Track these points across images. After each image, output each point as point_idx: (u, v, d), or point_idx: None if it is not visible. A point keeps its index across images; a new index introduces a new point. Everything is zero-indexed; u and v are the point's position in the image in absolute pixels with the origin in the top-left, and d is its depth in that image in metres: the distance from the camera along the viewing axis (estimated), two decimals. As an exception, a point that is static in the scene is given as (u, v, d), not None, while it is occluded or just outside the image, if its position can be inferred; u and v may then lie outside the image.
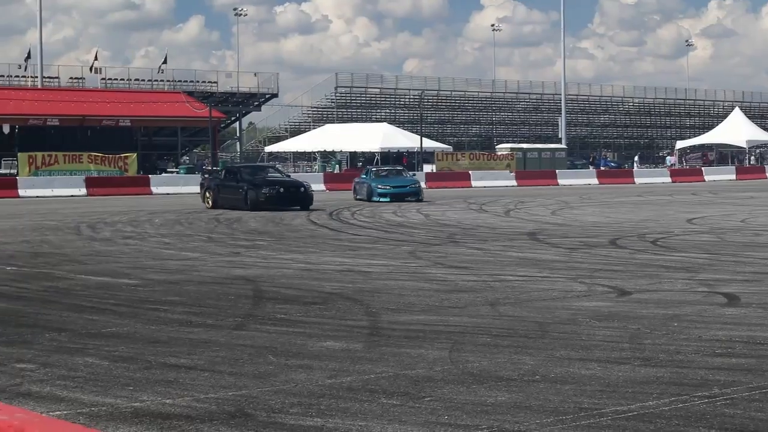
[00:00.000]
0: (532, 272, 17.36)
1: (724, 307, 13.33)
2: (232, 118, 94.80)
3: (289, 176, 43.49)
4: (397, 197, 43.56)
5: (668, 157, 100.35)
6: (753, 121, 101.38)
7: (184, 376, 9.18)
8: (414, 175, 51.94)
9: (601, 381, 8.92)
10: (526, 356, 10.02)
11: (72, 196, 50.55)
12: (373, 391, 8.58)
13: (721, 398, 8.29)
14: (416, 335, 11.23)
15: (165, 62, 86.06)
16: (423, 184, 61.18)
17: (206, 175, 45.12)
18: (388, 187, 44.18)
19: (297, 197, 37.44)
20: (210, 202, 38.58)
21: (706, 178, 73.04)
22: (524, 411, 7.93)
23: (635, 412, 7.86)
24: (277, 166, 56.07)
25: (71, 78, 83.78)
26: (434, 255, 20.60)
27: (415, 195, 44.25)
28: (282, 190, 37.37)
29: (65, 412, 7.93)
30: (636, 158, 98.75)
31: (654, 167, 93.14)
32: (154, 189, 53.78)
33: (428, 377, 9.11)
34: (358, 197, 45.08)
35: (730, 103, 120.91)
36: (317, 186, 50.67)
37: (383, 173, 47.31)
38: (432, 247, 22.32)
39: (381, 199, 43.39)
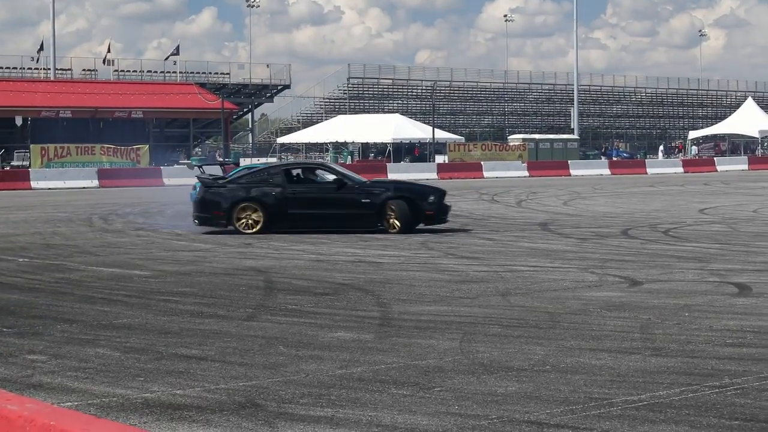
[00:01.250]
0: (544, 263, 17.35)
1: (735, 297, 13.31)
2: (245, 110, 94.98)
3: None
4: None
5: (693, 147, 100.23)
6: (766, 111, 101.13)
7: (194, 367, 9.19)
8: None
9: (611, 371, 8.91)
10: (536, 346, 10.01)
11: (84, 187, 50.62)
12: (383, 382, 8.58)
13: (732, 388, 8.28)
14: (427, 326, 11.23)
15: (176, 53, 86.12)
16: (435, 175, 61.62)
17: (220, 181, 24.52)
18: None
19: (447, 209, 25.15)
20: (252, 221, 23.21)
21: (719, 168, 72.85)
22: (534, 401, 7.92)
23: (646, 402, 7.85)
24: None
25: (84, 70, 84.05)
26: (445, 245, 20.59)
27: None
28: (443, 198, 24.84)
29: (76, 402, 7.95)
30: (661, 147, 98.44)
31: (667, 157, 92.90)
32: (166, 180, 53.69)
33: (438, 368, 9.11)
34: None
35: (743, 93, 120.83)
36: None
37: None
38: (443, 238, 22.30)
39: None
